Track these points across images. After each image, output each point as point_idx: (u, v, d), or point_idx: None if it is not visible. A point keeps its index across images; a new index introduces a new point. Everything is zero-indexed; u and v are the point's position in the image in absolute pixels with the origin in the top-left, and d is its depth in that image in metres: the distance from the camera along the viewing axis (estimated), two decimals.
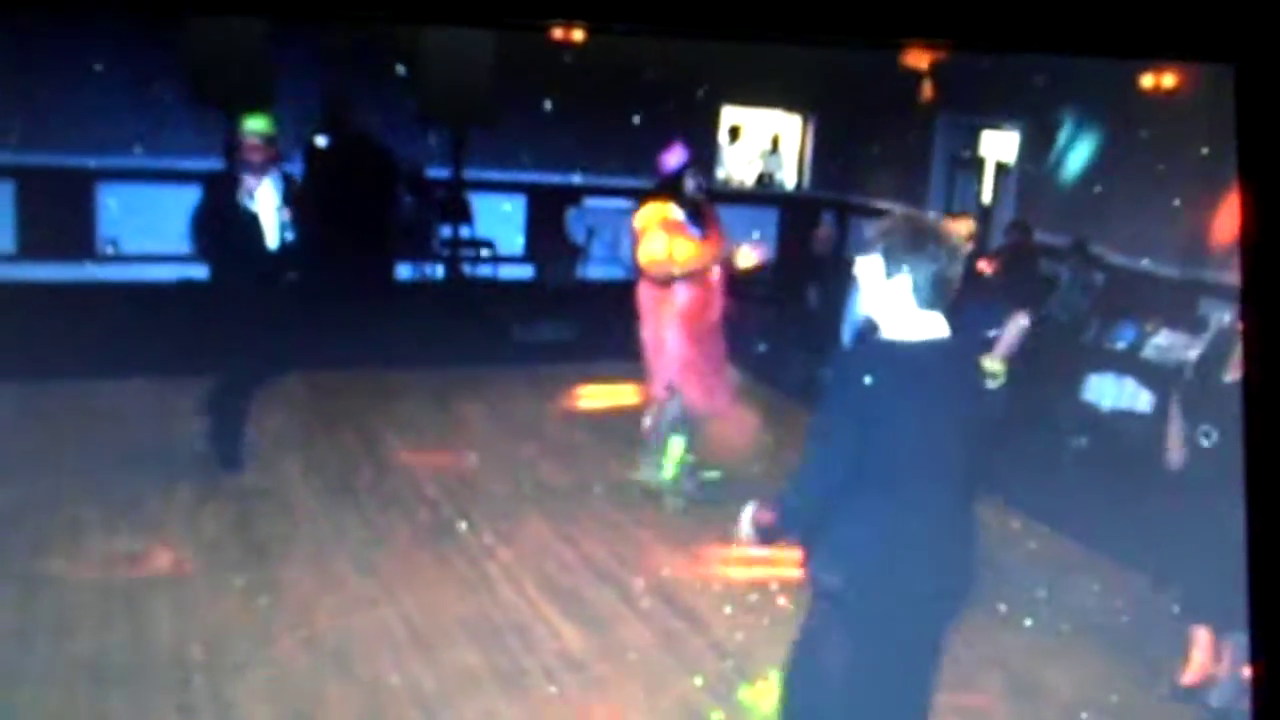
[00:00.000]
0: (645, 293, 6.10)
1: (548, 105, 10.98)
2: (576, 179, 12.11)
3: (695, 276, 5.97)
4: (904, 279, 2.86)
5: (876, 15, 3.07)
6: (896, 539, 2.90)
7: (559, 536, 5.68)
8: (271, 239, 6.01)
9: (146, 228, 9.89)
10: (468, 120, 9.95)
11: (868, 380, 2.84)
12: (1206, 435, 4.34)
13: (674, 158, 5.97)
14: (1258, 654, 2.80)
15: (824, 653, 3.03)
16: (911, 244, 2.85)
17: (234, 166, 6.08)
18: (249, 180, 5.90)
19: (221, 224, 5.96)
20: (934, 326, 2.90)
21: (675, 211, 5.92)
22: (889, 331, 2.93)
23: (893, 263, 2.87)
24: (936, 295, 2.87)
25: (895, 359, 2.92)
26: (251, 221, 5.95)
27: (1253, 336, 2.88)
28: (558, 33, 9.46)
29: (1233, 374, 4.33)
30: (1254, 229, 2.86)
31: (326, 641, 4.49)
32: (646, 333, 6.14)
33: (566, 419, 7.54)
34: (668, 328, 6.05)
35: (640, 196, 6.27)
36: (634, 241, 6.06)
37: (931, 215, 2.92)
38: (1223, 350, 4.44)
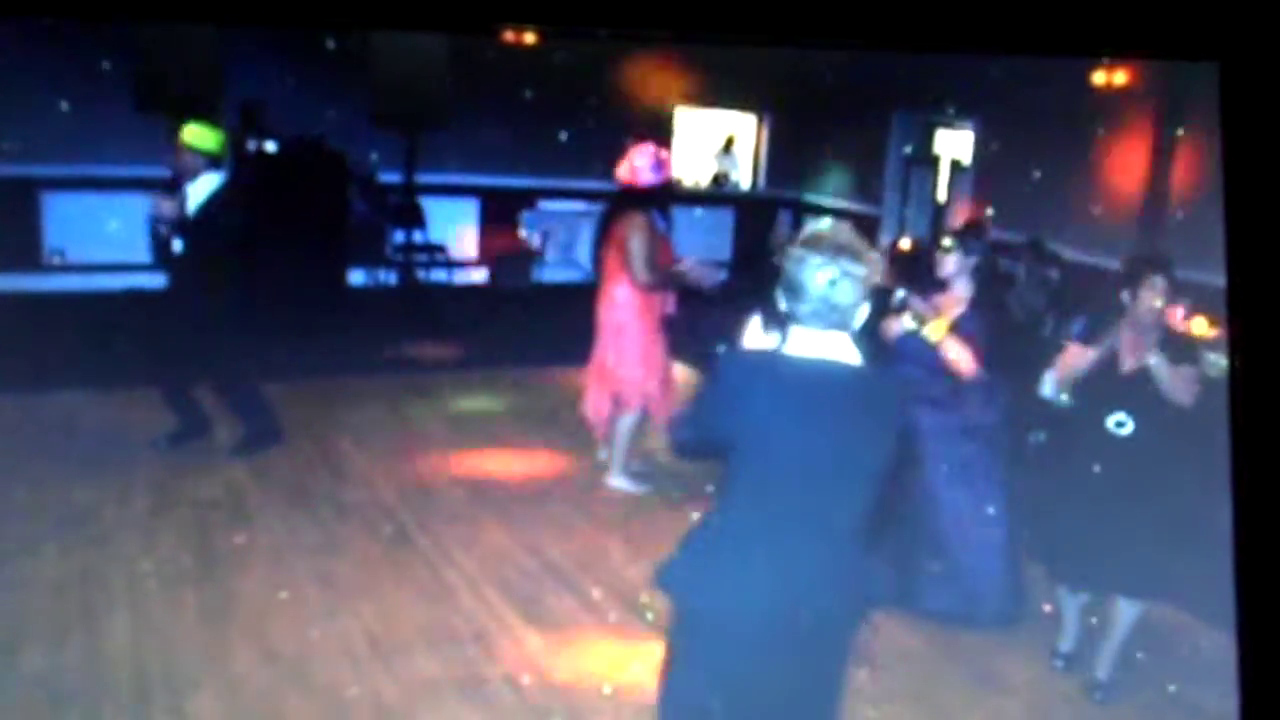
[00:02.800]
0: (630, 300, 6.08)
1: (500, 107, 10.95)
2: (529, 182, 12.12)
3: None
4: (781, 293, 2.76)
5: (855, 16, 3.07)
6: (753, 564, 2.74)
7: (518, 543, 5.64)
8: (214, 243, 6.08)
9: (94, 237, 9.77)
10: (420, 122, 9.89)
11: (742, 387, 2.75)
12: (1120, 425, 4.39)
13: (661, 167, 5.98)
14: (1244, 652, 2.79)
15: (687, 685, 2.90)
16: (790, 260, 2.73)
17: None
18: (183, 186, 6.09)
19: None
20: (835, 348, 2.75)
21: (658, 219, 6.01)
22: (789, 343, 2.79)
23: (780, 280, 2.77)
24: (812, 315, 2.71)
25: (776, 370, 2.76)
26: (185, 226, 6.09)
27: (1238, 333, 2.88)
28: (509, 36, 9.45)
29: (1129, 363, 4.40)
30: (1239, 224, 2.86)
31: (285, 653, 4.43)
32: (630, 341, 6.12)
33: (523, 423, 7.51)
34: (655, 335, 6.16)
35: (619, 201, 6.13)
36: (620, 247, 5.98)
37: (839, 235, 2.70)
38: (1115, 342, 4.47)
